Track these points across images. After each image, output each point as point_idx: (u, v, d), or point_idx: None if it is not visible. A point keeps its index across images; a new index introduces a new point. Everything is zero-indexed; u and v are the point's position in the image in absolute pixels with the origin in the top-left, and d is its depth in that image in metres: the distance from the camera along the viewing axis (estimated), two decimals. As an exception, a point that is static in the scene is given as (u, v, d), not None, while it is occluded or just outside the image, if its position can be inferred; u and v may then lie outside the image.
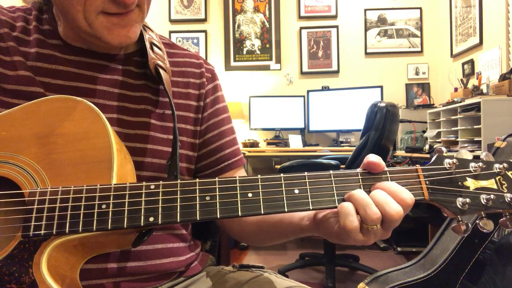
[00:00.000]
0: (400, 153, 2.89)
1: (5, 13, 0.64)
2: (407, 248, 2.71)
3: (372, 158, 0.48)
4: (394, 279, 1.08)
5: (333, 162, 2.10)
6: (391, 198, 0.45)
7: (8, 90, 0.58)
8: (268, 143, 3.47)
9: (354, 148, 2.11)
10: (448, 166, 0.49)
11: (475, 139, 2.20)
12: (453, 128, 2.48)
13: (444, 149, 0.50)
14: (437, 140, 2.69)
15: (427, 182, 0.48)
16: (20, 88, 0.58)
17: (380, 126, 1.95)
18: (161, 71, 0.65)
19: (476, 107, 2.17)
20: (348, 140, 3.44)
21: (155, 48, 0.69)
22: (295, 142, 3.34)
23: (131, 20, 0.58)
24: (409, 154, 2.63)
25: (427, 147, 2.53)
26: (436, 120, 2.75)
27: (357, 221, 0.44)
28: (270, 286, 0.65)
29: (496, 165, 0.49)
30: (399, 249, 2.71)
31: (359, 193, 0.46)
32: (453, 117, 2.44)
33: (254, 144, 3.43)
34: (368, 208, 0.44)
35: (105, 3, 0.54)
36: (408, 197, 0.45)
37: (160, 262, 0.62)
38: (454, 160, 0.49)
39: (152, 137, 0.64)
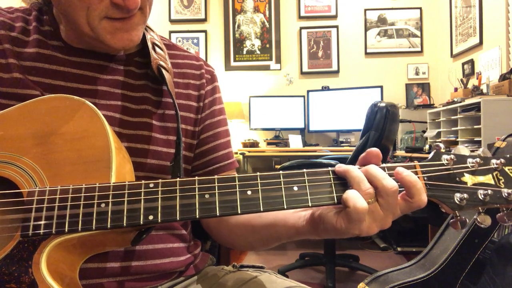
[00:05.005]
0: (400, 153, 2.89)
1: (3, 14, 0.64)
2: (407, 248, 2.70)
3: (372, 148, 0.50)
4: (394, 279, 1.07)
5: (333, 162, 2.10)
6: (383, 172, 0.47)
7: (3, 93, 0.58)
8: (268, 143, 3.47)
9: (354, 148, 2.11)
10: (446, 162, 0.49)
11: (475, 139, 2.20)
12: (453, 128, 2.48)
13: (441, 145, 0.50)
14: (437, 140, 2.69)
15: (425, 178, 0.48)
16: (15, 90, 0.58)
17: (380, 126, 1.95)
18: (164, 71, 0.65)
19: (476, 107, 2.17)
20: (348, 140, 3.44)
21: (157, 49, 0.68)
22: (295, 142, 3.34)
23: (133, 24, 0.58)
24: (409, 154, 2.63)
25: (427, 147, 2.53)
26: (436, 120, 2.74)
27: (366, 202, 0.45)
28: (270, 286, 0.64)
29: (493, 161, 0.49)
30: (399, 249, 2.71)
31: (354, 170, 0.48)
32: (453, 117, 2.44)
33: (254, 144, 3.42)
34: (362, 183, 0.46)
35: (108, 8, 0.54)
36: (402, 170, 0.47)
37: (160, 262, 0.62)
38: (452, 156, 0.49)
39: (152, 138, 0.64)
